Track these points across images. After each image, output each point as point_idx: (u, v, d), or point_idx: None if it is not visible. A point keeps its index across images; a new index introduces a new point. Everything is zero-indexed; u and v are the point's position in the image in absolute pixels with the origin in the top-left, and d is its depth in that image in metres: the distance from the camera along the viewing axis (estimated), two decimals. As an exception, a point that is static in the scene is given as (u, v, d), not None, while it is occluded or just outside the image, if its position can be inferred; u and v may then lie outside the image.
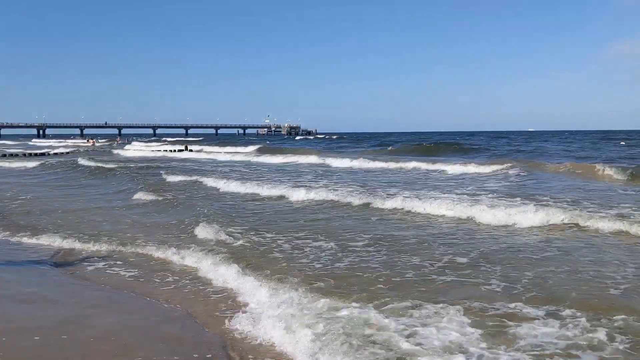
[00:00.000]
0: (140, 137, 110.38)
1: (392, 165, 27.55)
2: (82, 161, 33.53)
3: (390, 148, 46.91)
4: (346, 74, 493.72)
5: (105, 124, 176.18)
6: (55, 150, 52.16)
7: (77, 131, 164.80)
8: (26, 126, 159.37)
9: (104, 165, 29.51)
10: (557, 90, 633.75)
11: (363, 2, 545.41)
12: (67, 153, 49.03)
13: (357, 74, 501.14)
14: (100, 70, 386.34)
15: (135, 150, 53.96)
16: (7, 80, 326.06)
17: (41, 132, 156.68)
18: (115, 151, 52.66)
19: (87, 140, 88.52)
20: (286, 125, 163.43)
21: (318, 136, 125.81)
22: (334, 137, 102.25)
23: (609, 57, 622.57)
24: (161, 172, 25.10)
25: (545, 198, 13.50)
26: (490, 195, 14.37)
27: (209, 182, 19.88)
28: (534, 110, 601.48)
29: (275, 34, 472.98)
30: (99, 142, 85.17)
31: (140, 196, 16.34)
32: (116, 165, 29.75)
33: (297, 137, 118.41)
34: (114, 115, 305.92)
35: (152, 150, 53.41)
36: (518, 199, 13.45)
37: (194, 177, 21.53)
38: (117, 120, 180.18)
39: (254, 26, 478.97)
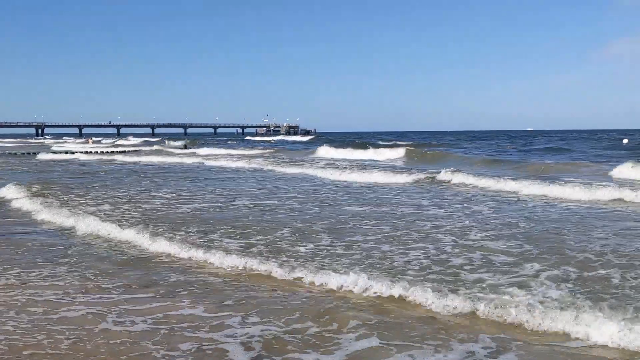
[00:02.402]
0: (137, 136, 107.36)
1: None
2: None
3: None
4: (345, 73, 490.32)
5: (110, 123, 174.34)
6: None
7: (76, 130, 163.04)
8: (25, 125, 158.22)
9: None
10: (556, 90, 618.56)
11: (365, 1, 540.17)
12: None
13: (357, 74, 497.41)
14: (99, 70, 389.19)
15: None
16: (6, 80, 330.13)
17: (39, 131, 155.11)
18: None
19: (87, 140, 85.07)
20: (285, 124, 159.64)
21: (301, 137, 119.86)
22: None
23: (609, 56, 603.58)
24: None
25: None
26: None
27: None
28: (533, 109, 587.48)
29: (275, 33, 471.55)
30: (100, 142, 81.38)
31: None
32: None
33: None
34: (113, 115, 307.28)
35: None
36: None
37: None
38: (117, 120, 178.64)
39: (255, 26, 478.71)
